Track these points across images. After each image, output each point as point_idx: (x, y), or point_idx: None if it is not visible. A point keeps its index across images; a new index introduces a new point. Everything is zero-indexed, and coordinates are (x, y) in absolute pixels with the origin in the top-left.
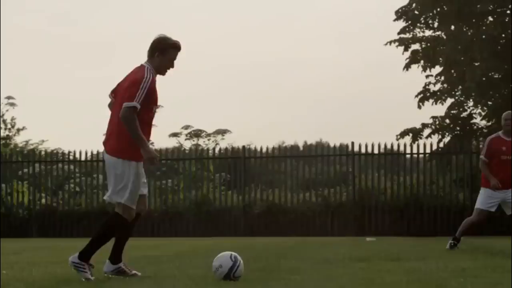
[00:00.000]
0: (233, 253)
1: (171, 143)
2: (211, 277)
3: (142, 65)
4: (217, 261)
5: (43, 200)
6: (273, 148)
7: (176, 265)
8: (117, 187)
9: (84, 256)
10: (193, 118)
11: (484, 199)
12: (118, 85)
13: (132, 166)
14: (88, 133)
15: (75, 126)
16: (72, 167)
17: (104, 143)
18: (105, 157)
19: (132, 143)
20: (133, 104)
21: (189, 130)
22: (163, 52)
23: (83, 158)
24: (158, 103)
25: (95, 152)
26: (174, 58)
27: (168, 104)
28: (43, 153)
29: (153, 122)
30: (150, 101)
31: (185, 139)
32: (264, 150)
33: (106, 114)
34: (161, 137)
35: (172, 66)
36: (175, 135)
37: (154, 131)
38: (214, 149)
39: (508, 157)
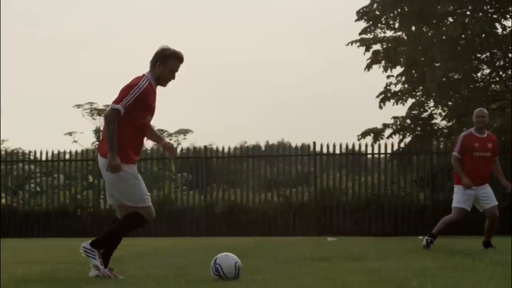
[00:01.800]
0: (237, 262)
1: None
2: (172, 277)
3: (143, 74)
4: (220, 266)
5: (3, 200)
6: (235, 148)
7: (138, 265)
8: (119, 189)
9: (96, 245)
10: (154, 118)
11: (461, 197)
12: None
13: (124, 168)
14: (48, 132)
15: (35, 125)
16: (32, 167)
17: (98, 147)
18: (98, 160)
19: (121, 146)
20: (117, 106)
21: None
22: (165, 62)
23: (43, 158)
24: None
25: (55, 152)
26: (176, 70)
27: None
28: (3, 153)
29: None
30: (143, 109)
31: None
32: (226, 150)
33: (68, 113)
34: None
35: (173, 78)
36: None
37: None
38: (176, 149)
39: (481, 153)
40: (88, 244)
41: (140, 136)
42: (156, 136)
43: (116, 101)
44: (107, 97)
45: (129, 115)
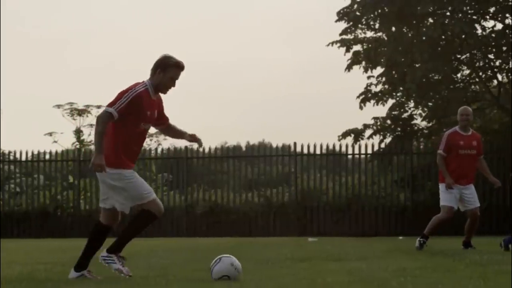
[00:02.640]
0: (230, 264)
1: None
2: (153, 277)
3: (142, 81)
4: (220, 272)
5: None
6: (216, 149)
7: None
8: (117, 195)
9: (112, 250)
10: None
11: (447, 195)
12: None
13: (118, 172)
14: (28, 133)
15: (15, 125)
16: (12, 167)
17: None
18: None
19: (117, 151)
20: (110, 109)
21: None
22: (165, 70)
23: (23, 158)
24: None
25: (35, 152)
26: (176, 77)
27: None
28: None
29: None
30: (137, 116)
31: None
32: (206, 150)
33: (48, 113)
34: None
35: (174, 85)
36: None
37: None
38: (156, 149)
39: (466, 151)
40: (104, 253)
41: (134, 145)
42: (179, 133)
43: (110, 104)
44: (87, 97)
45: (123, 122)
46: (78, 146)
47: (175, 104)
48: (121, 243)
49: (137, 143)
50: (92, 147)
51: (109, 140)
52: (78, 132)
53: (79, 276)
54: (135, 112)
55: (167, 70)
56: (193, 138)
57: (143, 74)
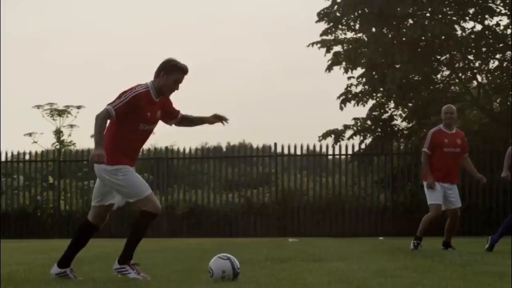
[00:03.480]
0: (220, 255)
1: (92, 144)
2: (132, 278)
3: (145, 83)
4: (217, 269)
5: None
6: (196, 149)
7: (98, 267)
8: (118, 191)
9: (123, 261)
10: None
11: (434, 193)
12: None
13: (116, 168)
14: (8, 133)
15: None
16: None
17: None
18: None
19: (113, 150)
20: (108, 107)
21: None
22: (169, 73)
23: (3, 158)
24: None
25: (15, 153)
26: (179, 81)
27: (89, 105)
28: None
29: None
30: (136, 117)
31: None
32: (187, 151)
33: (28, 113)
34: (83, 138)
35: (177, 88)
36: None
37: (76, 132)
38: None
39: (450, 149)
40: (117, 265)
41: (133, 145)
42: (198, 120)
43: (109, 103)
44: (68, 97)
45: (121, 122)
46: (58, 147)
47: None
48: (129, 250)
49: (137, 144)
50: (72, 147)
51: (107, 139)
52: (58, 133)
53: (61, 273)
54: (133, 113)
55: (171, 74)
56: (217, 118)
57: (122, 74)
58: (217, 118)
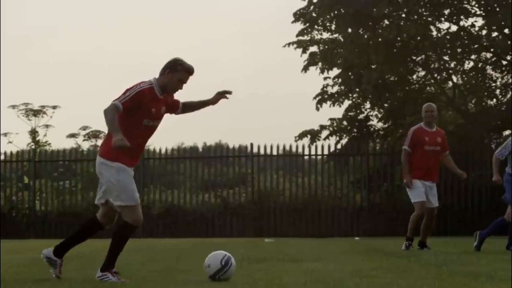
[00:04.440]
0: (226, 256)
1: (69, 144)
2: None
3: (148, 80)
4: (208, 260)
5: None
6: (172, 149)
7: (74, 267)
8: (105, 190)
9: (105, 268)
10: (91, 119)
11: (416, 191)
12: None
13: (114, 165)
14: None
15: None
16: None
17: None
18: (96, 159)
19: (117, 150)
20: (115, 102)
21: (87, 131)
22: (173, 71)
23: None
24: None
25: None
26: (184, 81)
27: (66, 104)
28: None
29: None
30: (141, 112)
31: (83, 140)
32: (163, 151)
33: (2, 113)
34: (58, 138)
35: (181, 88)
36: (72, 136)
37: (51, 132)
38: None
39: (431, 147)
40: (99, 273)
41: (136, 140)
42: (201, 104)
43: (115, 99)
44: (43, 97)
45: (125, 118)
46: (33, 147)
47: None
48: (111, 260)
49: (141, 139)
50: (48, 147)
51: (111, 135)
52: (33, 133)
53: (52, 260)
54: (137, 108)
55: (176, 72)
56: (221, 96)
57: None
58: (220, 95)
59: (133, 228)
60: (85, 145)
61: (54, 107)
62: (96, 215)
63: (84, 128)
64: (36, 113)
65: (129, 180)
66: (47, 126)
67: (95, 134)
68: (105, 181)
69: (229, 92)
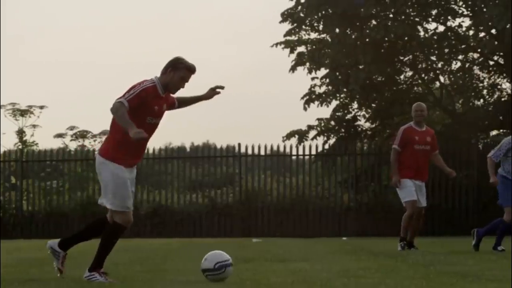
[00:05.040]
0: (224, 262)
1: (56, 144)
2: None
3: (150, 78)
4: (209, 254)
5: None
6: (160, 149)
7: None
8: (103, 190)
9: (93, 267)
10: (78, 118)
11: (406, 190)
12: None
13: (111, 166)
14: None
15: None
16: None
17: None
18: (96, 159)
19: (115, 146)
20: (120, 99)
21: (74, 131)
22: (175, 70)
23: None
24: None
25: None
26: (186, 79)
27: (53, 104)
28: None
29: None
30: (144, 110)
31: (71, 140)
32: (150, 151)
33: None
34: (46, 138)
35: (183, 86)
36: (60, 136)
37: (39, 132)
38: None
39: (420, 146)
40: (87, 273)
41: (140, 143)
42: (194, 99)
43: (119, 98)
44: (31, 97)
45: (129, 118)
46: (20, 147)
47: None
48: (99, 259)
49: (143, 141)
50: (35, 147)
51: (112, 134)
52: (20, 133)
53: (56, 253)
54: (141, 106)
55: (177, 71)
56: (214, 91)
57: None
58: (213, 91)
59: (123, 229)
60: (73, 145)
61: (42, 107)
62: (106, 215)
63: (72, 128)
64: (23, 113)
65: (123, 185)
66: (34, 126)
67: (82, 134)
68: (102, 177)
69: (222, 87)
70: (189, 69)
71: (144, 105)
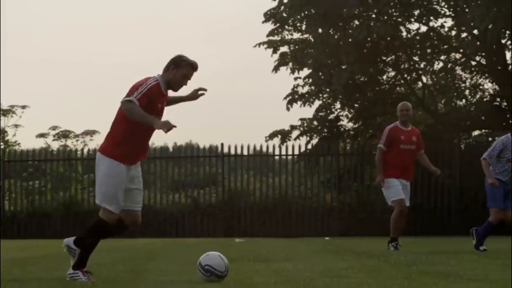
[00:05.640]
0: (215, 270)
1: (39, 144)
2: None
3: (153, 76)
4: (211, 254)
5: None
6: None
7: (43, 267)
8: (96, 184)
9: (77, 266)
10: (60, 118)
11: (393, 189)
12: None
13: (108, 162)
14: None
15: None
16: None
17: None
18: (96, 156)
19: (114, 144)
20: (130, 98)
21: (57, 131)
22: (178, 67)
23: None
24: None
25: None
26: (188, 77)
27: (35, 104)
28: None
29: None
30: (149, 109)
31: (53, 140)
32: None
33: None
34: (28, 138)
35: (185, 83)
36: (42, 135)
37: (21, 132)
38: (82, 150)
39: (406, 146)
40: (70, 270)
41: (141, 137)
42: (179, 99)
43: (127, 95)
44: (13, 97)
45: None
46: (2, 147)
47: (102, 104)
48: (82, 257)
49: (146, 135)
50: (17, 147)
51: (113, 130)
52: (2, 133)
53: (71, 250)
54: (147, 105)
55: (180, 68)
56: (197, 93)
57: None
58: (197, 92)
59: (107, 225)
60: (55, 145)
61: (24, 107)
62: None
63: (54, 128)
64: (5, 113)
65: (115, 183)
66: (16, 126)
67: (64, 134)
68: (99, 173)
69: (205, 90)
70: (192, 66)
71: (150, 103)
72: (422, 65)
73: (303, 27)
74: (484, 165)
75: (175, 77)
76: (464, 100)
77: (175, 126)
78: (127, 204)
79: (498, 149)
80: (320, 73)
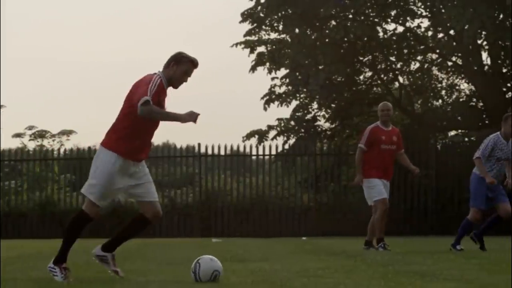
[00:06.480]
0: (203, 272)
1: (15, 143)
2: (53, 279)
3: (154, 73)
4: (210, 258)
5: None
6: None
7: (19, 267)
8: (89, 175)
9: (56, 260)
10: (37, 118)
11: (375, 189)
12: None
13: (106, 155)
14: None
15: None
16: None
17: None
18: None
19: (118, 138)
20: (146, 98)
21: (33, 131)
22: (178, 63)
23: None
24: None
25: None
26: (188, 73)
27: (11, 103)
28: None
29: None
30: (156, 105)
31: (29, 140)
32: None
33: None
34: (4, 137)
35: (186, 80)
36: (18, 135)
37: None
38: (59, 150)
39: (387, 146)
40: (51, 264)
41: (144, 134)
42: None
43: (141, 95)
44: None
45: (133, 113)
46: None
47: (79, 103)
48: (62, 252)
49: (149, 132)
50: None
51: (117, 126)
52: None
53: (104, 258)
54: (156, 103)
55: (180, 64)
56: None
57: (44, 72)
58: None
59: (88, 218)
60: (31, 145)
61: None
62: (139, 212)
63: (30, 128)
64: None
65: (107, 178)
66: None
67: (41, 134)
68: (95, 163)
69: (196, 115)
70: (193, 63)
71: (157, 99)
72: (398, 65)
73: (280, 27)
74: (478, 164)
75: (176, 74)
76: (440, 101)
77: (199, 114)
78: (143, 196)
79: (490, 147)
80: (297, 73)
